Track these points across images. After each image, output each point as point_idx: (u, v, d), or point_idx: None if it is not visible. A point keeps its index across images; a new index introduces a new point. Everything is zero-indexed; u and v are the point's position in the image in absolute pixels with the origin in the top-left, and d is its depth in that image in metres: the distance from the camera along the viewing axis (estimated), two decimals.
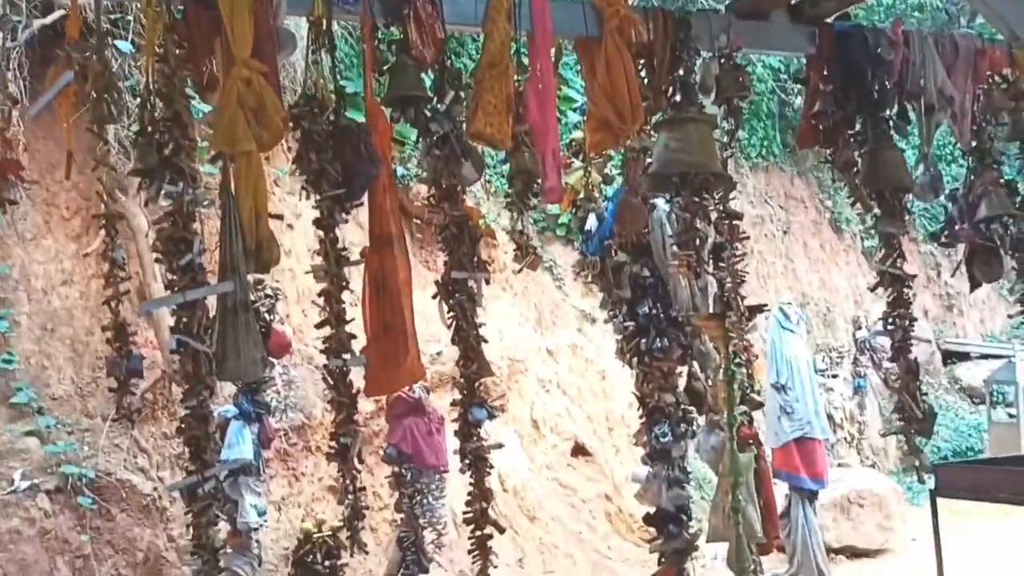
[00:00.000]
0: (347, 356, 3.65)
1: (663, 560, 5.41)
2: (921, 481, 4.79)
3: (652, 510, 5.46)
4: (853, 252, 15.05)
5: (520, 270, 5.09)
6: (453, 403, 4.25)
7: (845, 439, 12.29)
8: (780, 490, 8.84)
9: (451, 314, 4.12)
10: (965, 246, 4.93)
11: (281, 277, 6.27)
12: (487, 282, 4.21)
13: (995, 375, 13.07)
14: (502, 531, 4.53)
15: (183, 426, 3.42)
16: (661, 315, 5.31)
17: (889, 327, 4.61)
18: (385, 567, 5.80)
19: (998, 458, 7.62)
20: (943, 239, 4.88)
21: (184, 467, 3.68)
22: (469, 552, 4.45)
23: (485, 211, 9.90)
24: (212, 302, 3.54)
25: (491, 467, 4.22)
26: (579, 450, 9.67)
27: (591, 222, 5.37)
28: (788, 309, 8.51)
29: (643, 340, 5.33)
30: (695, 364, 5.53)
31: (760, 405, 6.05)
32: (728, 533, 5.21)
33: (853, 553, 9.04)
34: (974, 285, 4.99)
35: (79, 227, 6.76)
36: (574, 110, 7.20)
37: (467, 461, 4.03)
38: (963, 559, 8.54)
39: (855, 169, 4.56)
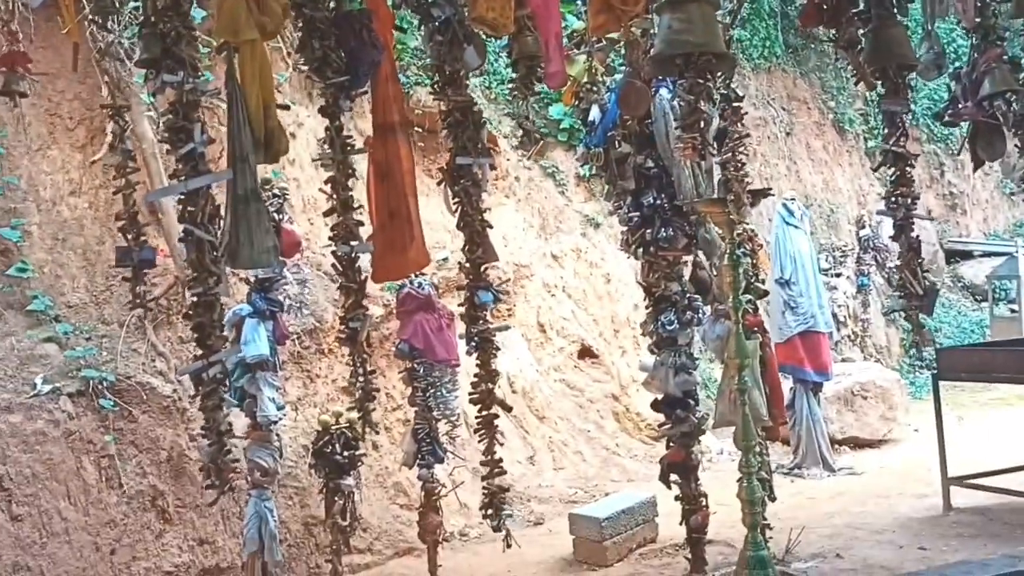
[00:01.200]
0: (354, 243, 3.71)
1: (671, 444, 5.57)
2: (921, 358, 4.87)
3: (660, 397, 5.61)
4: (856, 153, 14.97)
5: (530, 156, 5.10)
6: (459, 287, 4.33)
7: (849, 337, 12.42)
8: (786, 384, 9.02)
9: (456, 200, 4.16)
10: (969, 124, 4.95)
11: (287, 186, 6.29)
12: (492, 167, 4.22)
13: (997, 271, 13.15)
14: (508, 409, 4.66)
15: (189, 312, 3.51)
16: (665, 205, 5.36)
17: (891, 205, 4.64)
18: (401, 458, 5.97)
19: (996, 341, 7.74)
20: (946, 117, 4.89)
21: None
22: (475, 431, 4.58)
23: (486, 116, 9.85)
24: (222, 195, 3.59)
25: (497, 349, 4.31)
26: (586, 352, 9.81)
27: (594, 113, 5.38)
28: (792, 205, 8.54)
29: (648, 231, 5.40)
30: (700, 253, 5.60)
31: (765, 294, 6.14)
32: (735, 415, 5.35)
33: (856, 444, 9.23)
34: (977, 164, 5.01)
35: (83, 137, 6.76)
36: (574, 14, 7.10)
37: (473, 343, 4.11)
38: (963, 446, 8.75)
39: (859, 47, 4.54)
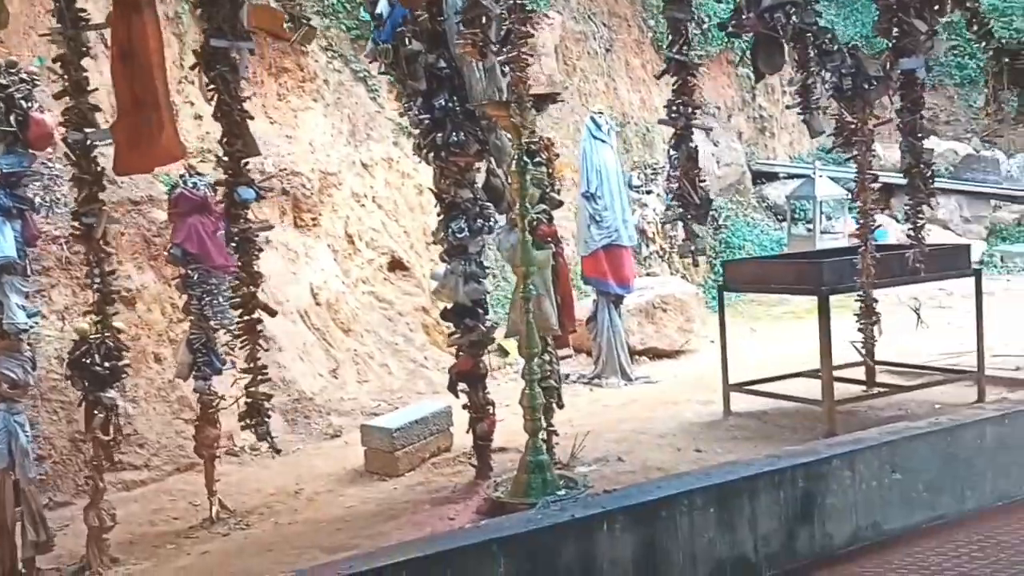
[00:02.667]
0: (89, 130, 3.34)
1: (461, 353, 5.52)
2: (695, 264, 4.97)
3: (449, 305, 5.53)
4: None
5: (293, 42, 4.77)
6: (217, 183, 4.03)
7: (657, 253, 12.81)
8: (590, 298, 9.18)
9: (211, 88, 3.82)
10: (753, 37, 5.00)
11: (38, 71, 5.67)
12: (252, 52, 3.89)
13: (796, 192, 13.84)
14: (273, 314, 4.44)
15: None
16: (457, 108, 5.18)
17: (672, 115, 4.65)
18: (175, 370, 5.65)
19: (776, 255, 8.12)
20: (731, 28, 4.91)
21: None
22: (236, 337, 4.34)
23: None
24: None
25: (259, 250, 4.06)
26: (396, 264, 9.64)
27: (383, 6, 5.09)
28: (599, 118, 8.56)
29: (439, 134, 5.21)
30: (494, 160, 5.48)
31: (560, 204, 6.11)
32: (523, 324, 5.35)
33: (655, 354, 9.57)
34: (758, 76, 5.09)
35: None
36: None
37: (233, 244, 3.85)
38: (753, 354, 9.25)
39: None
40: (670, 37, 4.58)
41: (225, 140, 3.93)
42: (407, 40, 5.05)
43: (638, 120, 14.06)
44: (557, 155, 6.08)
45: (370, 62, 5.51)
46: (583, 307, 9.47)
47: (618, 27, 14.33)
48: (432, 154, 5.24)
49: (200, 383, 5.35)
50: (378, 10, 5.02)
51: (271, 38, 9.42)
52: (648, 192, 12.13)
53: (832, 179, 15.92)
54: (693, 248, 4.80)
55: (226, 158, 3.96)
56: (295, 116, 9.37)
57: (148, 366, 6.65)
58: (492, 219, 5.45)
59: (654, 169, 12.51)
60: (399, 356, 8.83)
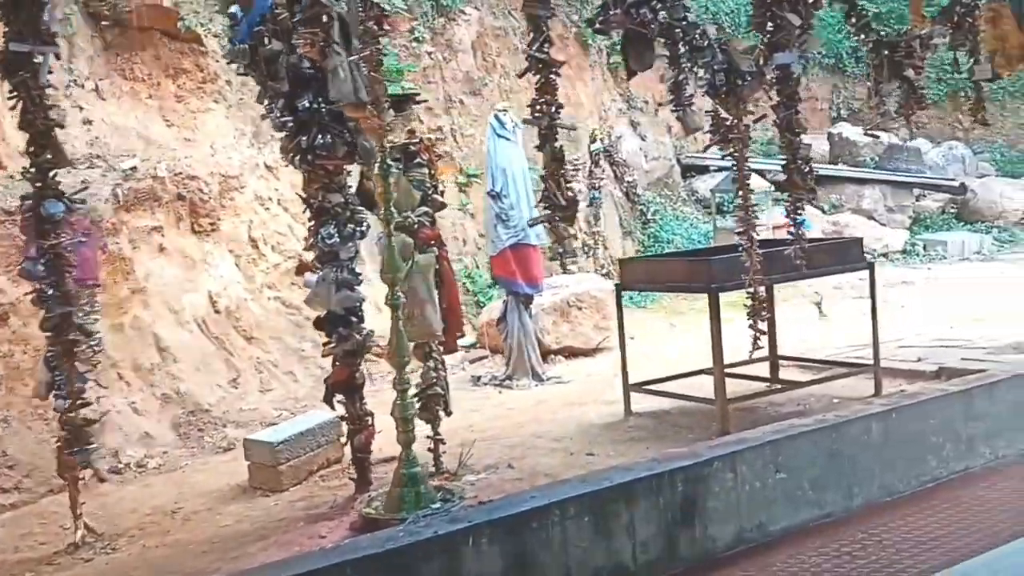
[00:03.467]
0: None
1: (336, 363, 5.35)
2: (563, 268, 4.85)
3: (322, 314, 5.35)
4: (599, 68, 15.18)
5: None
6: (23, 197, 3.80)
7: (582, 249, 12.73)
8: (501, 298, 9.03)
9: (14, 96, 3.59)
10: (622, 34, 4.88)
11: None
12: (57, 57, 3.67)
13: (720, 184, 13.83)
14: (88, 335, 4.21)
15: None
16: (323, 109, 4.99)
17: (536, 115, 4.52)
18: (33, 388, 5.40)
19: (672, 252, 8.05)
20: (598, 24, 4.79)
21: None
22: (46, 360, 4.10)
23: (186, 12, 9.03)
24: None
25: (72, 267, 3.84)
26: (304, 268, 9.37)
27: (236, 5, 4.88)
28: (503, 116, 8.42)
29: (304, 137, 5.02)
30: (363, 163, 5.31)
31: (443, 206, 5.96)
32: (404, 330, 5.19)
33: (571, 353, 9.47)
34: (630, 74, 4.98)
35: None
36: None
37: (42, 262, 3.63)
38: (672, 350, 9.20)
39: None
40: (531, 34, 4.45)
41: (31, 150, 3.71)
42: (266, 40, 4.85)
43: (563, 116, 13.92)
44: (439, 156, 5.92)
45: (228, 63, 5.30)
46: (494, 307, 9.36)
47: None
48: (298, 158, 5.05)
49: (59, 402, 5.11)
50: (232, 9, 4.82)
51: (168, 38, 9.17)
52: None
53: (757, 171, 16.02)
54: (562, 250, 4.67)
55: (32, 169, 3.74)
56: (194, 118, 9.10)
57: (24, 383, 6.37)
58: (364, 224, 5.27)
59: (575, 166, 12.39)
60: (306, 363, 8.62)
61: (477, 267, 11.06)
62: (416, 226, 5.57)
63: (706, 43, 4.91)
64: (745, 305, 5.88)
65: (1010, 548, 4.56)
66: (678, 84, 4.93)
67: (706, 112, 5.30)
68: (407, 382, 4.89)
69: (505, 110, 8.47)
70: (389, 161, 4.73)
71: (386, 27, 4.33)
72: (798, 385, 6.88)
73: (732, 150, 5.19)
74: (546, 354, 9.18)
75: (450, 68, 12.40)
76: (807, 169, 5.37)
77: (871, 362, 6.76)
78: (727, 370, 7.12)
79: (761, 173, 16.25)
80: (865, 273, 6.79)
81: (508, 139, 8.37)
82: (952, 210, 15.64)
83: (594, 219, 12.43)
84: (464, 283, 11.13)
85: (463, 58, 12.57)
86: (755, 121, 5.34)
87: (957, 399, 5.85)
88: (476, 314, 10.48)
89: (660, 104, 16.31)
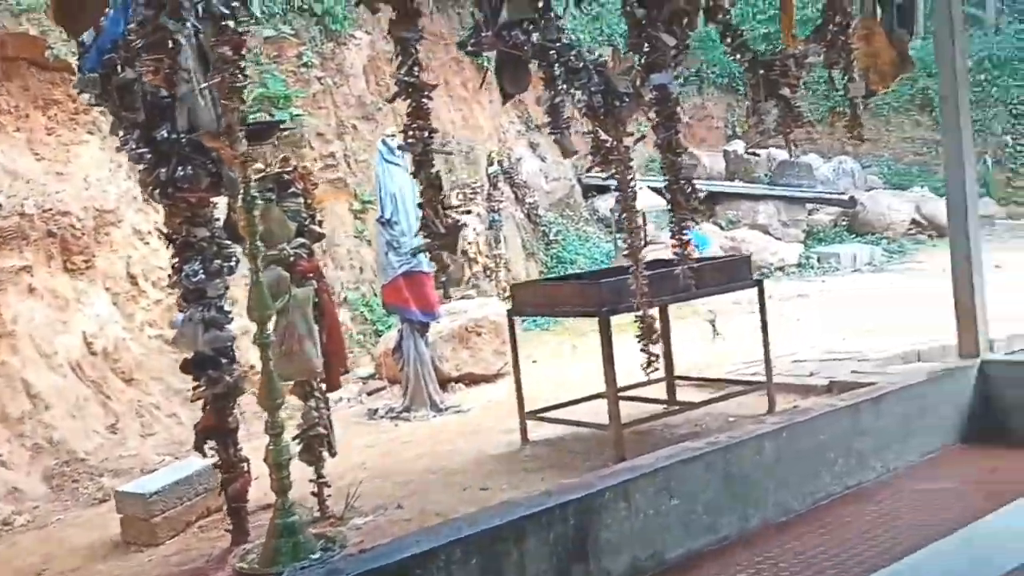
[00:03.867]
0: None
1: (206, 407, 5.05)
2: (447, 296, 4.68)
3: (189, 356, 5.05)
4: (496, 90, 15.12)
5: None
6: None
7: (484, 272, 12.59)
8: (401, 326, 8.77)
9: None
10: (496, 55, 4.75)
11: None
12: None
13: (619, 204, 13.87)
14: None
15: None
16: (183, 139, 4.72)
17: (409, 140, 4.34)
18: None
19: (564, 275, 7.98)
20: (470, 47, 4.65)
21: None
22: None
23: (54, 40, 8.57)
24: None
25: None
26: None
27: (88, 34, 4.58)
28: (391, 141, 8.20)
29: (163, 169, 4.74)
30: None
31: (321, 236, 5.74)
32: (284, 368, 4.95)
33: (472, 379, 9.28)
34: (505, 97, 4.85)
35: None
36: None
37: None
38: (574, 373, 9.10)
39: None
40: (399, 58, 4.28)
41: None
42: (119, 67, 4.56)
43: (460, 139, 13.82)
44: (315, 184, 5.69)
45: (79, 93, 4.98)
46: (391, 337, 9.12)
47: (434, 45, 14.05)
48: (158, 191, 4.76)
49: None
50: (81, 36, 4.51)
51: (36, 68, 8.70)
52: (467, 212, 11.88)
53: (656, 190, 16.19)
54: (444, 279, 4.49)
55: None
56: (67, 151, 8.64)
57: None
58: (233, 259, 5.00)
59: (472, 188, 12.29)
60: (191, 405, 8.18)
61: (375, 295, 10.79)
62: (292, 258, 5.33)
63: (581, 64, 4.81)
64: (638, 328, 5.80)
65: (904, 565, 4.56)
66: (555, 107, 4.82)
67: (585, 134, 5.21)
68: (280, 426, 4.63)
69: (394, 135, 8.25)
70: (254, 192, 4.48)
71: (243, 52, 4.08)
72: (694, 406, 6.84)
73: (615, 171, 5.11)
74: (446, 382, 8.98)
75: (341, 93, 12.16)
76: (690, 189, 5.32)
77: (761, 380, 6.77)
78: (624, 393, 7.08)
79: (660, 191, 16.55)
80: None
81: (397, 164, 8.17)
82: (844, 223, 16.08)
83: (495, 241, 12.30)
84: (362, 311, 10.86)
85: (355, 83, 12.35)
86: (635, 142, 5.28)
87: (845, 414, 5.87)
88: (375, 343, 10.21)
89: (539, 126, 16.43)
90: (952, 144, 5.92)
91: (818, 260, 14.67)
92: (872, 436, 5.82)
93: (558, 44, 4.76)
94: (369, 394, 9.22)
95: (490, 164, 12.42)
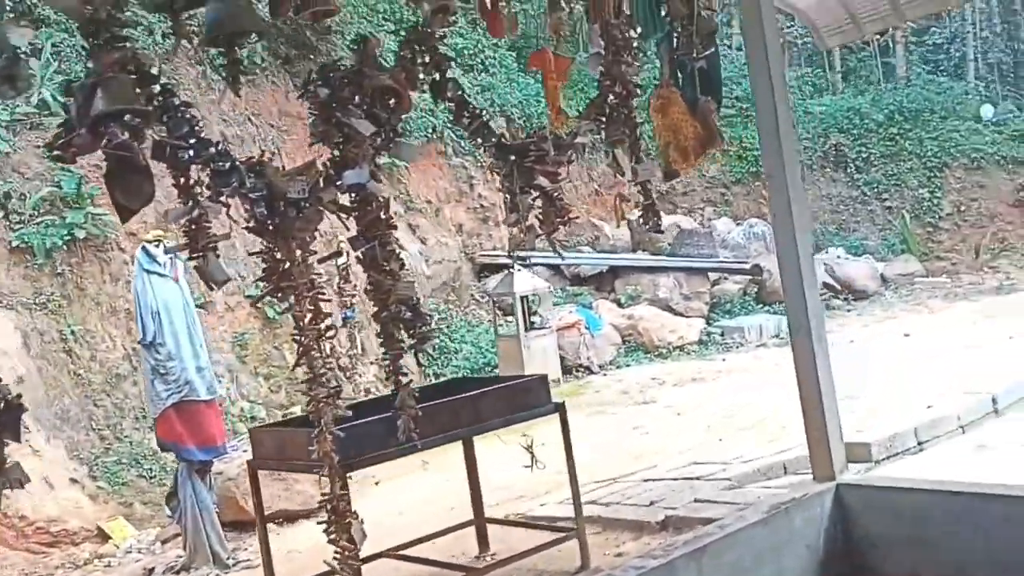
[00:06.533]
0: None
1: None
2: None
3: None
4: None
5: None
6: None
7: (344, 375, 11.28)
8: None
9: None
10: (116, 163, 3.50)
11: None
12: None
13: (496, 288, 12.72)
14: None
15: None
16: None
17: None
18: None
19: (296, 418, 6.68)
20: (56, 152, 3.40)
21: None
22: None
23: None
24: None
25: None
26: None
27: None
28: (152, 248, 6.91)
29: None
30: None
31: None
32: None
33: (288, 517, 7.92)
34: (123, 215, 3.58)
35: None
36: None
37: None
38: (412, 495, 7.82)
39: None
40: None
41: None
42: None
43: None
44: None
45: None
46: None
47: (291, 126, 12.95)
48: None
49: None
50: None
51: None
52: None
53: (552, 266, 15.06)
54: None
55: None
56: None
57: None
58: None
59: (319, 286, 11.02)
60: None
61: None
62: None
63: (229, 165, 3.60)
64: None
65: None
66: (197, 222, 3.59)
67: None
68: None
69: (158, 241, 6.94)
70: None
71: None
72: (498, 565, 5.55)
73: (293, 303, 3.85)
74: (251, 524, 7.57)
75: None
76: (408, 316, 4.09)
77: (572, 527, 5.51)
78: (428, 542, 5.86)
79: (558, 268, 15.40)
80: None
81: (161, 274, 6.88)
82: (752, 291, 15.01)
83: (349, 341, 11.01)
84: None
85: None
86: (320, 261, 4.05)
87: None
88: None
89: (438, 210, 15.31)
90: (783, 233, 4.76)
91: (721, 334, 13.55)
92: None
93: (193, 140, 3.54)
94: (164, 542, 7.80)
95: (337, 255, 11.14)
